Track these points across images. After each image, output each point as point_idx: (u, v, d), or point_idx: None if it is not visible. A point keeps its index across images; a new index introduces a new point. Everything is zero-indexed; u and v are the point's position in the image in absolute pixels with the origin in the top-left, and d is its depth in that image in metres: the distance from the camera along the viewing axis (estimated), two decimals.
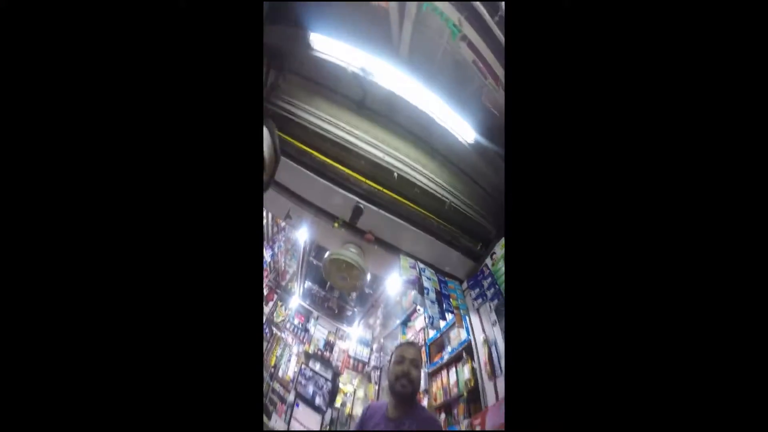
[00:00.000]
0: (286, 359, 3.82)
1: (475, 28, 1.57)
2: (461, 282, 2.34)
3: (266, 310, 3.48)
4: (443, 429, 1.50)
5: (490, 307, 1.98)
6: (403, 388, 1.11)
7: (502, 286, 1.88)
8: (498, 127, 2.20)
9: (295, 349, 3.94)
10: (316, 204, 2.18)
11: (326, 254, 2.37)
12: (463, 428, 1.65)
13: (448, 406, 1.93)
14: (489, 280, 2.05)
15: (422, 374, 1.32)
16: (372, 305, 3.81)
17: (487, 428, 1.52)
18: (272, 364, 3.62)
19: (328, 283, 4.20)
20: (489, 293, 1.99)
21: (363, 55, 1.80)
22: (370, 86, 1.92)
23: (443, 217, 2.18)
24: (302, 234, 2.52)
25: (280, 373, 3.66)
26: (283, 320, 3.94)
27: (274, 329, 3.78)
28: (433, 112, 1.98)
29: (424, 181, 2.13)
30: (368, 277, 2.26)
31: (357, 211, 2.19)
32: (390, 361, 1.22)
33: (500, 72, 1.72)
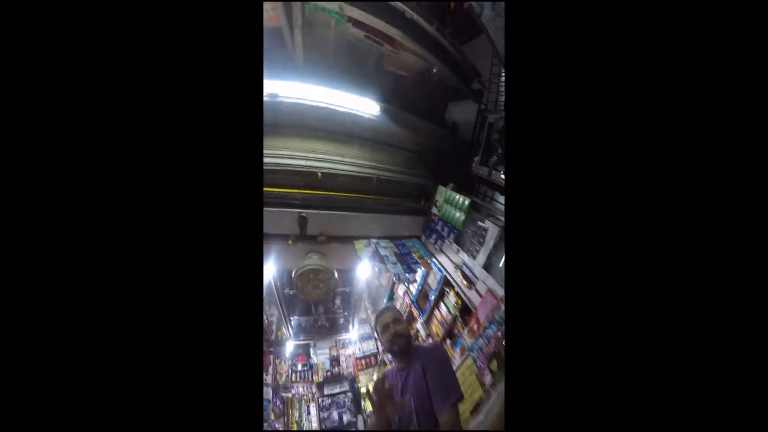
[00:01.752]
0: (305, 414, 3.63)
1: (357, 6, 1.72)
2: (420, 237, 2.62)
3: (267, 378, 3.24)
4: (444, 350, 1.68)
5: (449, 242, 2.30)
6: (399, 346, 1.24)
7: (452, 222, 2.19)
8: (406, 86, 2.46)
9: (308, 395, 3.79)
10: (266, 233, 2.23)
11: (293, 274, 2.44)
12: (467, 337, 1.97)
13: (449, 332, 2.26)
14: (440, 223, 2.34)
15: (408, 326, 1.48)
16: (357, 299, 3.96)
17: (480, 318, 1.87)
18: (294, 427, 3.42)
19: (311, 305, 4.22)
20: (444, 232, 2.29)
21: (268, 82, 1.86)
22: (278, 106, 1.99)
23: (376, 192, 2.36)
24: (267, 271, 2.52)
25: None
26: (287, 377, 3.76)
27: (284, 394, 3.57)
28: (336, 102, 2.10)
29: (347, 168, 2.27)
30: (336, 275, 2.40)
31: (302, 221, 2.28)
32: (377, 334, 1.37)
33: (395, 34, 1.90)
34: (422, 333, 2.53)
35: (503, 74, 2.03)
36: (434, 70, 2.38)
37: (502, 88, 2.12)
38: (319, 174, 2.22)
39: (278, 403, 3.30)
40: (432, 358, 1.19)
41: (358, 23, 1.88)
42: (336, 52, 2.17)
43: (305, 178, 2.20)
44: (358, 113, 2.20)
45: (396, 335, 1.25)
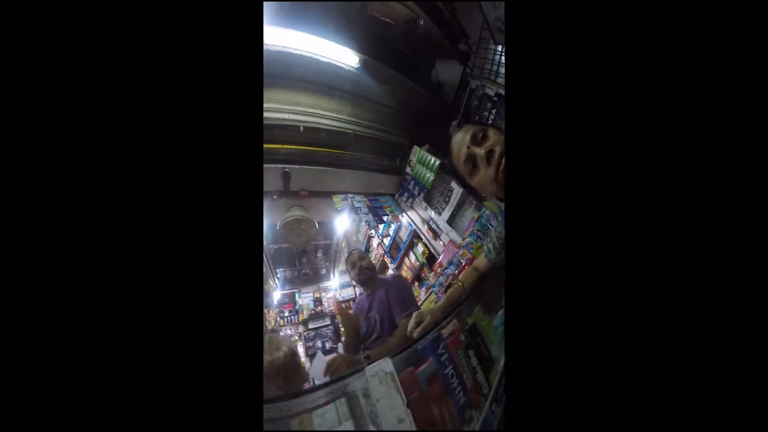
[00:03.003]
0: None
1: None
2: (394, 195, 2.82)
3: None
4: (404, 278, 2.03)
5: (419, 200, 2.55)
6: (365, 276, 1.52)
7: (423, 181, 2.40)
8: (388, 36, 2.32)
9: (296, 335, 4.13)
10: None
11: (278, 225, 2.64)
12: (431, 279, 2.32)
13: (417, 276, 2.63)
14: (412, 182, 2.53)
15: (371, 261, 1.74)
16: (336, 251, 4.27)
17: (443, 261, 2.21)
18: None
19: (295, 257, 4.51)
20: (415, 191, 2.51)
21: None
22: (264, 55, 1.93)
23: (353, 148, 2.47)
24: None
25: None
26: (275, 323, 4.02)
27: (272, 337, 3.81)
28: (316, 52, 2.04)
29: (327, 122, 2.33)
30: (317, 224, 2.57)
31: (286, 177, 2.40)
32: (348, 270, 1.66)
33: None
34: (375, 265, 2.84)
35: (492, 43, 2.05)
36: (420, 22, 2.28)
37: (489, 55, 2.15)
38: (301, 128, 2.26)
39: None
40: (392, 283, 1.49)
41: None
42: None
43: (287, 132, 2.24)
44: (339, 64, 2.16)
45: (362, 268, 1.54)
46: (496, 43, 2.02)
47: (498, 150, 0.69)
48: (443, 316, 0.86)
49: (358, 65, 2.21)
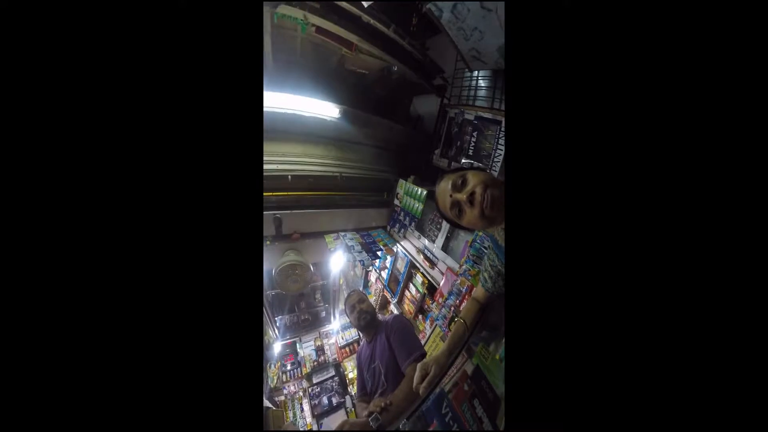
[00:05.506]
0: (299, 412, 3.70)
1: (318, 14, 1.87)
2: (386, 227, 2.86)
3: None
4: (404, 318, 1.95)
5: (411, 230, 2.58)
6: (365, 321, 1.46)
7: (412, 211, 2.43)
8: (365, 84, 2.59)
9: (300, 392, 3.89)
10: None
11: (273, 272, 2.60)
12: (435, 310, 2.26)
13: (420, 308, 2.55)
14: (402, 213, 2.57)
15: (372, 305, 1.67)
16: (334, 290, 4.16)
17: (444, 291, 2.17)
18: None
19: (294, 302, 4.36)
20: (406, 221, 2.54)
21: None
22: None
23: (341, 188, 2.54)
24: None
25: (301, 429, 3.51)
26: (277, 380, 3.80)
27: (276, 398, 3.60)
28: (301, 107, 2.20)
29: (314, 168, 2.43)
30: (312, 267, 2.56)
31: (278, 222, 2.45)
32: (347, 314, 1.60)
33: (352, 38, 2.06)
34: (396, 312, 2.80)
35: (466, 71, 2.18)
36: (394, 69, 2.53)
37: (466, 83, 2.29)
38: (289, 177, 2.36)
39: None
40: (393, 326, 1.41)
41: (320, 30, 2.02)
42: (302, 54, 2.29)
43: (277, 181, 2.33)
44: (322, 116, 2.32)
45: (361, 312, 1.48)
46: (471, 71, 2.13)
47: (478, 191, 0.73)
48: (448, 360, 0.83)
49: (339, 115, 2.37)
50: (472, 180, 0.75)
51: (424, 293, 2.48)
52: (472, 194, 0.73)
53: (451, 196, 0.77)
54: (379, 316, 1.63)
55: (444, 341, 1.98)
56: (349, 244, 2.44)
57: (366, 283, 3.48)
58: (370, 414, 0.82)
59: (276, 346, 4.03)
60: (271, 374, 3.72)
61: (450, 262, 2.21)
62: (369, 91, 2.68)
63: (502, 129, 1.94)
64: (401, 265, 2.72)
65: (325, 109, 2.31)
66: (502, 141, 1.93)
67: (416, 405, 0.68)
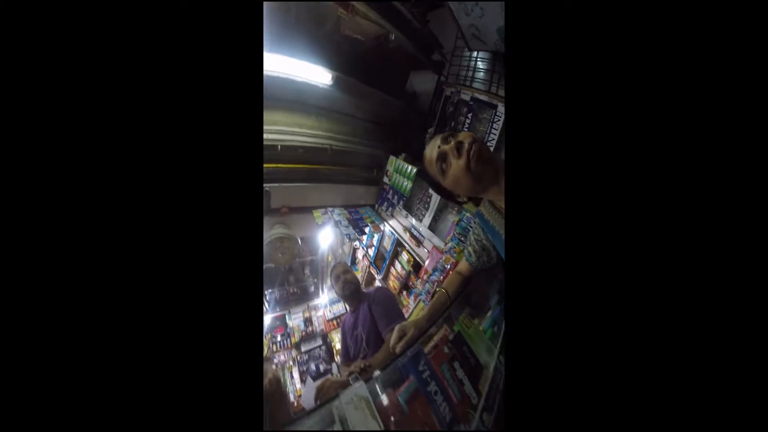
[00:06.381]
0: (289, 380, 3.80)
1: None
2: (374, 206, 2.85)
3: None
4: (386, 289, 2.02)
5: (399, 209, 2.58)
6: (349, 289, 1.51)
7: (401, 190, 2.44)
8: (360, 52, 2.41)
9: (289, 361, 4.00)
10: None
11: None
12: (419, 286, 2.33)
13: (404, 285, 2.62)
14: (391, 192, 2.57)
15: (356, 276, 1.73)
16: (322, 265, 4.21)
17: (428, 268, 2.22)
18: None
19: (283, 276, 4.42)
20: (394, 200, 2.54)
21: None
22: None
23: (330, 162, 2.49)
24: None
25: (292, 398, 3.60)
26: (268, 351, 3.89)
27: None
28: (292, 72, 2.10)
29: (304, 139, 2.35)
30: (300, 241, 2.56)
31: (266, 196, 2.42)
32: (332, 284, 1.64)
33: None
34: (359, 279, 2.83)
35: (467, 50, 2.10)
36: (391, 37, 2.36)
37: (464, 62, 2.22)
38: (279, 147, 2.28)
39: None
40: (376, 297, 1.47)
41: None
42: (297, 16, 2.15)
43: (267, 152, 2.25)
44: (314, 83, 2.23)
45: (346, 282, 1.54)
46: (471, 50, 2.08)
47: (467, 141, 0.72)
48: (428, 325, 0.85)
49: (331, 82, 2.27)
50: (463, 134, 0.75)
51: (410, 271, 2.54)
52: (460, 143, 0.73)
53: (439, 147, 0.76)
54: (364, 288, 1.68)
55: None
56: (337, 219, 2.45)
57: (353, 260, 3.53)
58: (350, 374, 0.86)
59: (267, 319, 4.13)
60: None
61: (436, 241, 2.25)
62: (364, 60, 2.52)
63: (498, 114, 1.91)
64: (388, 243, 2.76)
65: (317, 75, 2.21)
66: (495, 126, 1.91)
67: (392, 361, 0.70)
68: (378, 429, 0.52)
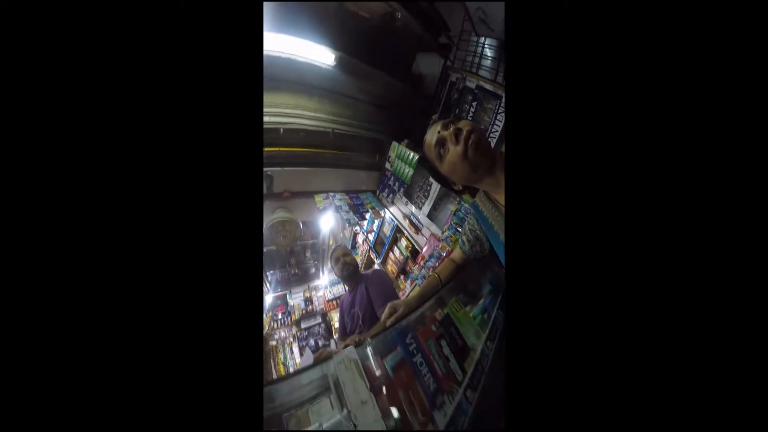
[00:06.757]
0: (289, 355, 3.95)
1: None
2: (375, 192, 2.86)
3: None
4: (383, 271, 2.10)
5: (399, 195, 2.60)
6: (348, 270, 1.56)
7: (402, 176, 2.45)
8: (365, 30, 2.30)
9: (290, 337, 4.15)
10: None
11: (264, 227, 2.64)
12: (415, 271, 2.38)
13: (402, 270, 2.68)
14: (392, 178, 2.57)
15: (355, 258, 1.76)
16: (323, 249, 4.28)
17: (425, 254, 2.27)
18: (282, 372, 3.68)
19: (285, 258, 4.51)
20: (395, 186, 2.55)
21: None
22: None
23: (333, 146, 2.48)
24: None
25: (291, 370, 3.76)
26: (269, 328, 4.01)
27: (270, 343, 3.80)
28: (294, 52, 2.05)
29: (306, 122, 2.34)
30: (301, 225, 2.60)
31: (269, 179, 2.42)
32: (332, 265, 1.68)
33: None
34: (357, 262, 2.89)
35: (474, 35, 2.05)
36: (398, 15, 2.28)
37: (471, 47, 2.16)
38: (281, 130, 2.27)
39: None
40: (373, 278, 1.53)
41: None
42: None
43: (269, 135, 2.24)
44: (317, 63, 2.17)
45: (345, 264, 1.58)
46: (478, 35, 2.02)
47: (466, 128, 0.73)
48: (417, 305, 0.90)
49: (334, 63, 2.21)
50: (463, 122, 0.77)
51: (407, 256, 2.59)
52: (459, 129, 0.74)
53: (438, 132, 0.78)
54: (362, 271, 1.73)
55: None
56: (338, 204, 2.47)
57: (354, 244, 3.59)
58: (345, 346, 0.91)
59: (268, 298, 4.25)
60: (264, 323, 3.93)
61: (434, 228, 2.28)
62: (369, 39, 2.41)
63: (502, 105, 1.88)
64: (387, 229, 2.80)
65: (320, 55, 2.15)
66: (499, 118, 1.88)
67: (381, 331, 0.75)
68: (365, 387, 0.57)
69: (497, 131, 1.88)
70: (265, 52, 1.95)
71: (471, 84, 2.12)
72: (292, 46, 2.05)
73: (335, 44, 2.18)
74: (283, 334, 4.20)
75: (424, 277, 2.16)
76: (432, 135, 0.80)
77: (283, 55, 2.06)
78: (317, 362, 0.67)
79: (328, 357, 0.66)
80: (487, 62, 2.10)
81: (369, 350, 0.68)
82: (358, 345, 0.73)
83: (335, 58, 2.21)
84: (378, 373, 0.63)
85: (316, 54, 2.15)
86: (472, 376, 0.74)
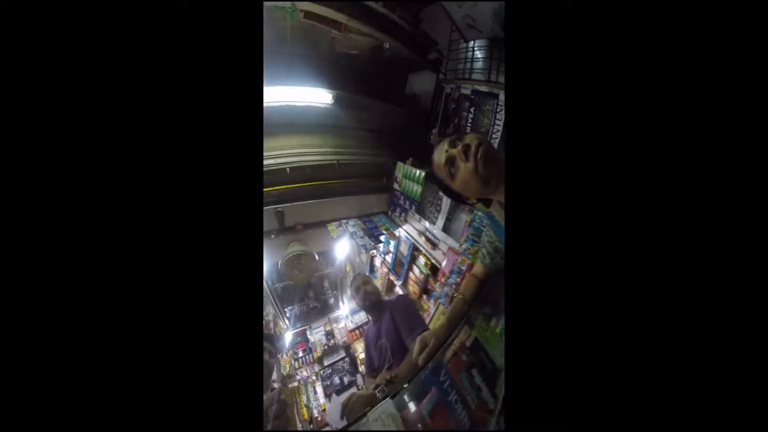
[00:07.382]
0: (312, 395, 3.79)
1: None
2: (387, 213, 2.87)
3: (274, 375, 3.28)
4: (407, 297, 2.00)
5: (411, 213, 2.59)
6: (370, 301, 1.52)
7: (412, 195, 2.45)
8: (357, 66, 2.51)
9: (312, 376, 3.99)
10: None
11: (278, 264, 2.65)
12: (438, 289, 2.32)
13: (424, 289, 2.62)
14: (402, 197, 2.58)
15: (376, 286, 1.74)
16: (341, 276, 4.24)
17: (445, 270, 2.21)
18: (305, 416, 3.54)
19: (302, 292, 4.47)
20: (406, 205, 2.55)
21: None
22: None
23: (340, 176, 2.54)
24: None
25: (316, 413, 3.61)
26: (290, 368, 3.90)
27: (290, 384, 3.67)
28: (293, 99, 2.18)
29: (311, 158, 2.42)
30: (317, 257, 2.61)
31: (280, 216, 2.48)
32: (353, 295, 1.66)
33: (341, 18, 1.99)
34: (380, 289, 2.83)
35: (463, 42, 2.09)
36: (386, 46, 2.42)
37: (462, 55, 2.20)
38: (288, 169, 2.37)
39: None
40: (396, 305, 1.47)
41: (308, 14, 1.96)
42: (293, 42, 2.24)
43: (276, 175, 2.34)
44: (316, 104, 2.29)
45: (366, 293, 1.55)
46: (467, 41, 2.06)
47: (474, 143, 0.73)
48: (447, 333, 0.86)
49: (332, 101, 2.33)
50: (469, 137, 0.77)
51: (428, 274, 2.53)
52: (467, 146, 0.74)
53: (446, 151, 0.78)
54: (385, 297, 1.69)
55: None
56: (352, 230, 2.48)
57: (372, 268, 3.55)
58: (376, 386, 0.87)
59: (287, 336, 4.14)
60: (284, 363, 3.83)
61: (451, 242, 2.24)
62: (362, 73, 2.59)
63: (500, 103, 1.90)
64: (404, 248, 2.77)
65: (318, 97, 2.28)
66: (499, 116, 1.90)
67: (416, 374, 0.72)
68: None
69: (498, 131, 1.89)
70: (265, 104, 2.06)
71: (466, 90, 2.16)
72: (291, 94, 2.19)
73: (331, 84, 2.31)
74: (305, 373, 4.05)
75: (446, 294, 2.09)
76: (440, 154, 0.80)
77: (283, 104, 2.18)
78: (350, 422, 0.63)
79: (359, 410, 0.62)
80: (479, 64, 2.12)
81: (405, 397, 0.65)
82: (391, 386, 0.70)
83: (332, 97, 2.33)
84: (416, 422, 0.60)
85: (315, 96, 2.28)
86: (503, 402, 0.71)
